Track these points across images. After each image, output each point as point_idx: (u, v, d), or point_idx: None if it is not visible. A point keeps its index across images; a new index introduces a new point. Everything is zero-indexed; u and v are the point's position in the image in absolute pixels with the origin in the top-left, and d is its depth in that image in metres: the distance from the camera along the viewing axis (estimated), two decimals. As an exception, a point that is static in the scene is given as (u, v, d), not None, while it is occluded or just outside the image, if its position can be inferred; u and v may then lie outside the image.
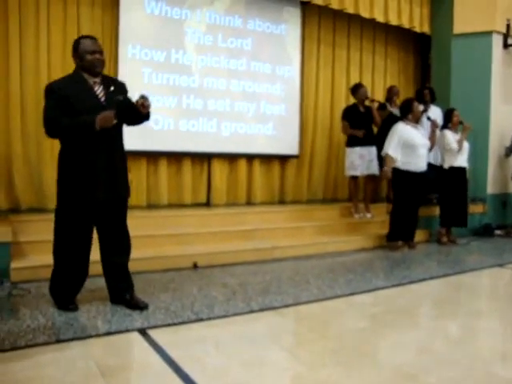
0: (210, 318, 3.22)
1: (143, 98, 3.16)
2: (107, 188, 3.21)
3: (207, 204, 6.10)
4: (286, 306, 3.52)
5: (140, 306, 3.33)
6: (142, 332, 2.94)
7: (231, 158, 6.21)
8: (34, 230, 4.31)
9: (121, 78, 5.34)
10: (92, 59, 3.17)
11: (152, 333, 2.93)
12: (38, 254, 4.06)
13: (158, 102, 5.65)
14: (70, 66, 4.88)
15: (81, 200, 3.18)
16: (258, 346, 2.81)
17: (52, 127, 3.10)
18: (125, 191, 3.40)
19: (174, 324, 3.10)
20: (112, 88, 3.25)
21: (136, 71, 5.49)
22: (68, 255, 3.25)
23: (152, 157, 5.76)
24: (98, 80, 3.23)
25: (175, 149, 5.80)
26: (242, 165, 6.26)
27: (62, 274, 3.29)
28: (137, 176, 5.71)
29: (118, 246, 3.39)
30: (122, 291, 3.39)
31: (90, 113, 3.06)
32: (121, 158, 3.36)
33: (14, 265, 3.94)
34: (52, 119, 3.08)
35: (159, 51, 5.61)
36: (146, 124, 5.44)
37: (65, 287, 3.32)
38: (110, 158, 3.22)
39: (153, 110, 5.43)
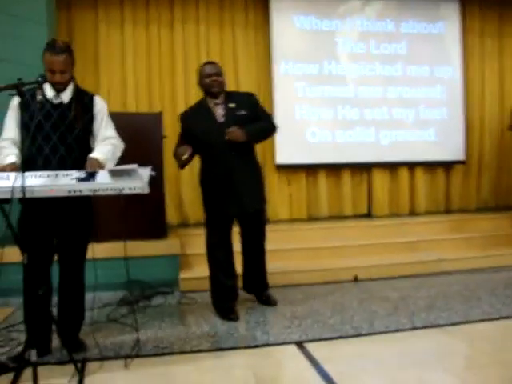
0: (369, 334, 3.11)
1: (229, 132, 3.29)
2: (232, 202, 3.39)
3: (368, 215, 5.96)
4: (454, 324, 3.24)
5: (271, 303, 3.71)
6: (300, 345, 2.94)
7: (392, 167, 5.98)
8: (199, 243, 4.61)
9: (276, 94, 5.61)
10: (208, 82, 3.40)
11: (309, 346, 2.91)
12: (203, 265, 4.30)
13: (314, 114, 5.72)
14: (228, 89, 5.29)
15: (213, 213, 3.49)
16: (421, 366, 2.61)
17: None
18: (255, 203, 3.49)
19: (332, 338, 3.05)
20: (232, 105, 3.40)
21: (290, 86, 5.64)
22: (215, 262, 3.52)
23: (311, 169, 5.83)
24: (219, 101, 3.42)
25: (334, 160, 5.79)
26: (404, 173, 5.99)
27: (215, 281, 3.53)
28: (297, 189, 5.84)
29: (253, 253, 3.70)
30: (259, 289, 3.77)
31: (207, 134, 3.33)
32: (247, 172, 3.45)
33: (182, 275, 4.27)
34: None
35: (312, 64, 5.68)
36: (303, 137, 5.66)
37: (221, 294, 3.53)
38: (230, 174, 3.36)
39: (309, 123, 5.64)
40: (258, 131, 3.44)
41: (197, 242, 4.52)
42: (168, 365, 2.70)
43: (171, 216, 5.43)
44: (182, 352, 2.88)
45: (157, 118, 4.53)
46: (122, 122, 4.34)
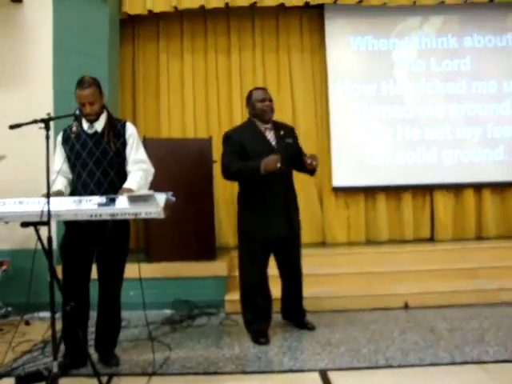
0: (400, 366, 2.97)
1: (312, 157, 3.42)
2: (278, 226, 3.42)
3: (431, 239, 5.69)
4: (498, 361, 2.99)
5: (308, 327, 3.67)
6: (323, 373, 2.88)
7: (456, 189, 5.68)
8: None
9: (332, 115, 5.62)
10: (261, 106, 3.44)
11: (332, 375, 2.85)
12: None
13: (372, 135, 5.63)
14: (285, 113, 5.39)
15: (254, 236, 3.44)
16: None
17: (225, 172, 3.42)
18: (296, 229, 3.56)
19: (359, 368, 2.96)
20: (282, 132, 3.50)
21: (347, 107, 5.60)
22: (249, 284, 3.51)
23: (369, 192, 5.71)
24: (268, 126, 3.49)
25: (393, 182, 5.62)
26: (469, 195, 5.66)
27: (247, 303, 3.54)
28: (354, 212, 5.74)
29: (293, 278, 3.65)
30: (296, 314, 3.73)
31: (262, 156, 3.26)
32: (293, 198, 3.57)
33: (227, 297, 4.34)
34: (225, 165, 3.40)
35: (369, 84, 5.61)
36: (361, 159, 5.57)
37: (252, 317, 3.52)
38: (281, 199, 3.44)
39: (367, 145, 5.54)
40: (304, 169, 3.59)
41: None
42: (187, 384, 2.77)
43: (228, 238, 5.55)
44: (206, 373, 2.94)
45: (207, 144, 4.69)
46: (174, 148, 4.63)
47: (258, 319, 3.52)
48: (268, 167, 3.20)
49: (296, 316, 3.77)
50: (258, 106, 3.45)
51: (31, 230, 2.56)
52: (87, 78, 2.95)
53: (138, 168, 3.00)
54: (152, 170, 3.10)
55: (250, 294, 3.52)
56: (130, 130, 3.07)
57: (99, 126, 2.99)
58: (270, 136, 3.47)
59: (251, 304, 3.53)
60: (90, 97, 2.90)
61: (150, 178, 3.08)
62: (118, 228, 2.97)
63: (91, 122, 2.97)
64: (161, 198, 2.60)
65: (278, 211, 3.41)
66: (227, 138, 3.49)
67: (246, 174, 3.36)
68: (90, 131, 2.98)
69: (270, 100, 3.50)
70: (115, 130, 3.01)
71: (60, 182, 2.98)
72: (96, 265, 3.07)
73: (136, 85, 5.61)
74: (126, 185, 2.90)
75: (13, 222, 2.66)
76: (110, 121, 3.03)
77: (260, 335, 3.46)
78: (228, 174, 3.42)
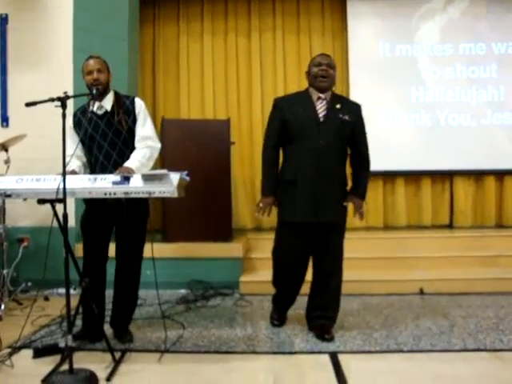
0: (411, 351, 2.95)
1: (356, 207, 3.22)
2: (304, 210, 3.06)
3: (450, 226, 5.63)
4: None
5: (325, 338, 3.11)
6: (333, 356, 2.89)
7: (477, 176, 5.61)
8: (267, 247, 4.66)
9: (352, 99, 5.46)
10: (316, 71, 3.09)
11: (342, 358, 2.84)
12: (266, 269, 4.36)
13: (393, 120, 5.58)
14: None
15: (281, 217, 3.24)
16: (452, 391, 2.44)
17: (263, 146, 3.23)
18: (327, 216, 3.08)
19: (370, 352, 2.95)
20: (338, 106, 3.10)
21: (367, 91, 5.51)
22: (275, 266, 3.39)
23: (388, 177, 5.66)
24: (323, 96, 3.10)
25: (413, 168, 5.56)
26: (490, 183, 5.58)
27: (277, 287, 3.46)
28: (373, 196, 5.69)
29: (326, 269, 3.22)
30: (315, 318, 3.27)
31: (302, 128, 3.04)
32: (335, 181, 3.10)
33: (243, 278, 4.37)
34: (264, 142, 3.22)
35: (391, 69, 5.56)
36: (380, 143, 5.50)
37: (278, 300, 3.49)
38: (312, 180, 3.03)
39: (387, 130, 5.47)
40: (366, 187, 3.28)
41: (264, 246, 4.56)
42: (197, 362, 2.79)
43: (245, 220, 5.58)
44: (217, 352, 2.96)
45: (225, 125, 4.69)
46: (192, 128, 4.65)
47: (280, 302, 3.47)
48: (260, 206, 3.14)
49: (311, 320, 3.32)
50: (313, 71, 3.09)
51: (51, 207, 2.61)
52: (94, 54, 3.01)
53: (143, 145, 2.98)
54: (158, 146, 3.06)
55: (276, 276, 3.40)
56: (139, 105, 3.04)
57: (108, 104, 2.98)
58: (321, 106, 3.07)
59: (276, 284, 3.44)
60: (97, 64, 2.93)
61: (156, 154, 3.05)
62: (136, 207, 2.99)
63: (99, 95, 2.92)
64: (175, 177, 2.62)
65: (305, 193, 3.02)
66: (273, 105, 3.22)
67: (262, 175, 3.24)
68: (100, 112, 2.98)
69: (328, 65, 3.08)
70: (124, 107, 3.00)
71: (75, 164, 2.99)
72: (115, 243, 3.10)
73: (156, 66, 5.64)
74: (127, 163, 2.86)
75: (33, 200, 2.68)
76: (118, 98, 3.02)
77: (275, 318, 3.46)
78: (262, 151, 3.24)
